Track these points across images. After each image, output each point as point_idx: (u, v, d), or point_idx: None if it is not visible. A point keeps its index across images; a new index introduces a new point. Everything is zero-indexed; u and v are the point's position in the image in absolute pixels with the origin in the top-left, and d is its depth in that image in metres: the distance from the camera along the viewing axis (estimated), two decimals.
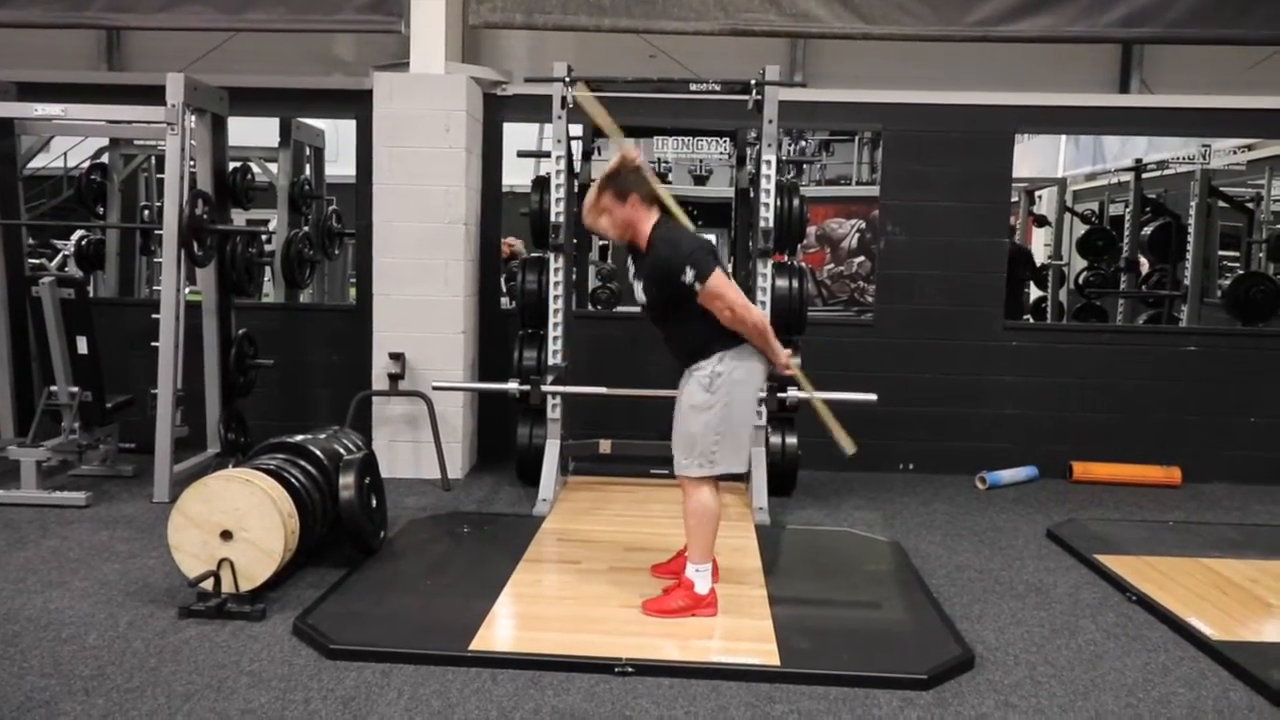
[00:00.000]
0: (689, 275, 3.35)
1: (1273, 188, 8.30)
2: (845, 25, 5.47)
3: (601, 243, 11.30)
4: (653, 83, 5.12)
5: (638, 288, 3.58)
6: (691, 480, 3.50)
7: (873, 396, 4.83)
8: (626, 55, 5.98)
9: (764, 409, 5.00)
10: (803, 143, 14.86)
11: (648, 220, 3.49)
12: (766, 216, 5.04)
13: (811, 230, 13.28)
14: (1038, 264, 9.86)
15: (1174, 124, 6.21)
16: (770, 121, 4.97)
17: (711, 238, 3.83)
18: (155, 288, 5.12)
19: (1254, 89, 5.86)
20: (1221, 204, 8.31)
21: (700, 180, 15.93)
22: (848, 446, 3.78)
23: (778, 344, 3.53)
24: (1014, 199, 9.30)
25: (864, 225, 11.78)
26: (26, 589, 3.67)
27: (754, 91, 4.98)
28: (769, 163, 4.99)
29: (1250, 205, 8.45)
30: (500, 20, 5.59)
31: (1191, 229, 8.02)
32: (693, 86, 5.02)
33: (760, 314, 3.56)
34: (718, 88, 4.93)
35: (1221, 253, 8.84)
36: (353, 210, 6.33)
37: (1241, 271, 8.10)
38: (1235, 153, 7.99)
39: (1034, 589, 4.02)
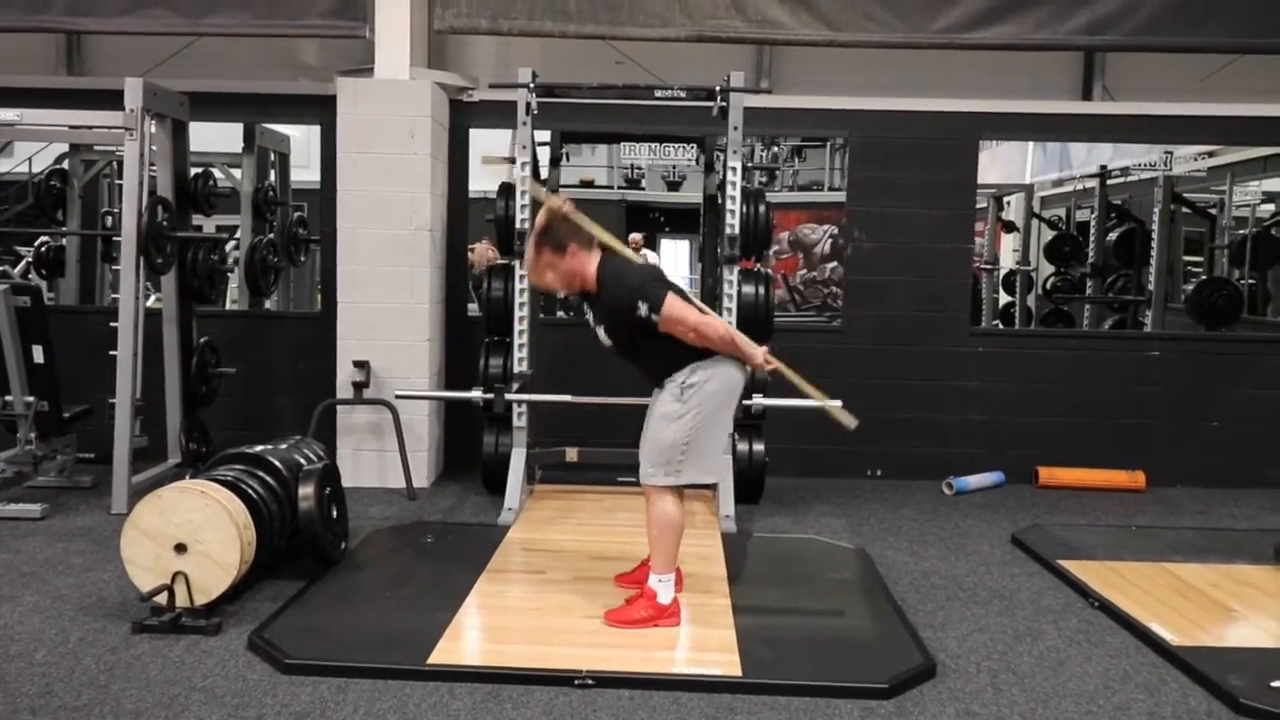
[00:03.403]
0: (643, 309, 3.34)
1: (1234, 194, 8.40)
2: (811, 32, 5.48)
3: None
4: (618, 89, 5.10)
5: (600, 332, 3.56)
6: (655, 489, 3.48)
7: (838, 403, 4.81)
8: (593, 61, 5.96)
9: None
10: (774, 149, 14.87)
11: (591, 263, 3.47)
12: (732, 223, 5.04)
13: (785, 236, 13.35)
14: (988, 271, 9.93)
15: (1136, 131, 6.28)
16: (736, 128, 4.97)
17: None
18: (116, 295, 5.01)
19: (1213, 96, 5.93)
20: (1185, 210, 8.40)
21: (673, 186, 15.96)
22: (849, 423, 3.71)
23: (749, 345, 3.51)
24: (983, 205, 9.37)
25: (836, 231, 11.83)
26: None
27: (719, 98, 4.97)
28: (734, 169, 4.99)
29: (1212, 211, 8.56)
30: (465, 26, 5.55)
31: (1155, 230, 8.11)
32: (658, 93, 5.01)
33: (722, 325, 3.54)
34: (683, 94, 4.93)
35: (1185, 258, 8.95)
36: (318, 216, 6.27)
37: (1204, 277, 8.19)
38: (1197, 159, 8.08)
39: (997, 595, 4.03)
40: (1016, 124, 6.10)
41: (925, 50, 5.69)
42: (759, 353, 3.52)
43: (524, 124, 5.03)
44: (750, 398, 4.92)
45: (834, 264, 12.05)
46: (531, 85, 4.96)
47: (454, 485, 5.68)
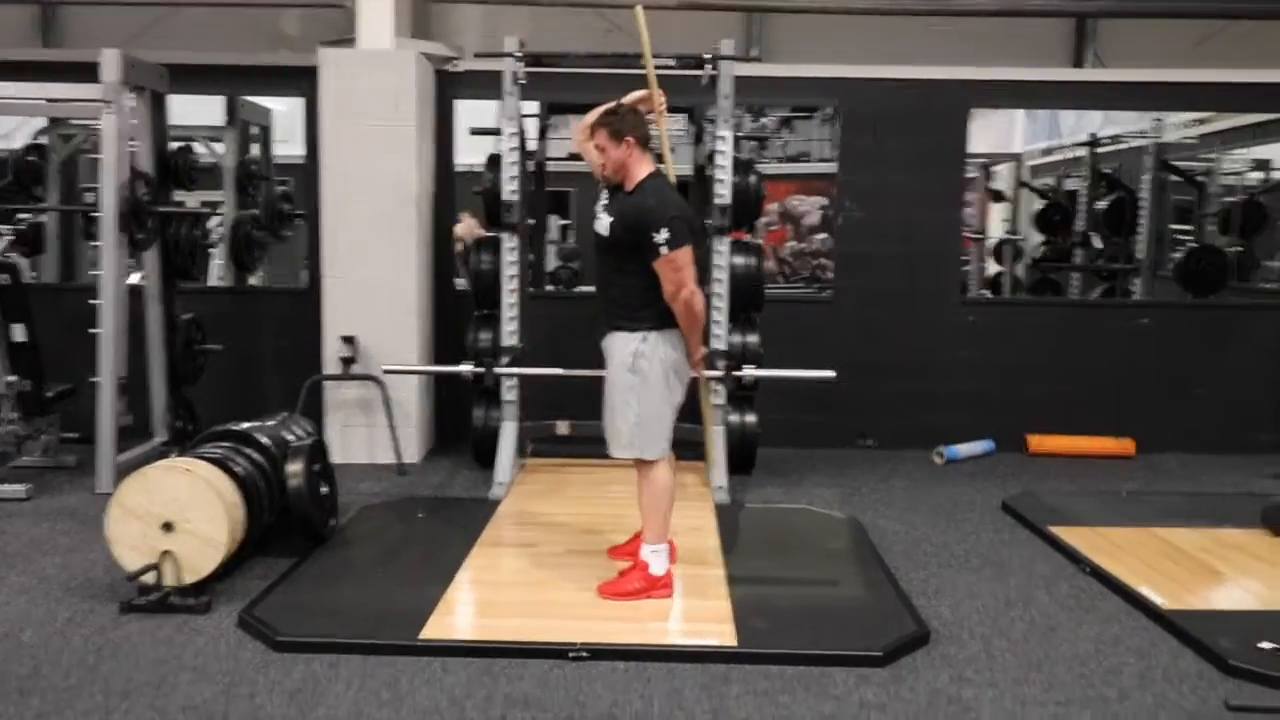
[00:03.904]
0: (662, 235, 3.28)
1: (1223, 162, 8.38)
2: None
3: (563, 222, 11.21)
4: (607, 58, 5.02)
5: (603, 220, 3.48)
6: (645, 459, 3.46)
7: (831, 374, 4.80)
8: (581, 31, 5.89)
9: (722, 388, 4.97)
10: (763, 120, 14.81)
11: (641, 166, 3.42)
12: (723, 193, 4.99)
13: (774, 207, 13.28)
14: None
15: (1126, 98, 6.24)
16: (726, 97, 4.90)
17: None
18: (97, 272, 4.94)
19: (1205, 62, 5.90)
20: (1174, 178, 8.37)
21: (659, 159, 15.85)
22: (715, 454, 4.00)
23: (698, 341, 3.50)
24: (972, 174, 9.32)
25: (825, 202, 11.77)
26: None
27: (709, 66, 4.90)
28: (725, 138, 4.93)
29: (1201, 179, 8.54)
30: None
31: (1145, 198, 8.08)
32: None
33: (701, 301, 3.43)
34: (673, 62, 4.84)
35: (1173, 226, 8.93)
36: (303, 192, 6.19)
37: (1193, 245, 8.18)
38: (1187, 126, 8.05)
39: (989, 562, 4.04)
40: (1008, 92, 6.05)
41: (916, 17, 5.63)
42: (700, 354, 3.54)
43: (510, 94, 4.95)
44: (741, 368, 4.90)
45: (823, 235, 11.99)
46: (518, 54, 4.88)
47: (444, 460, 5.65)
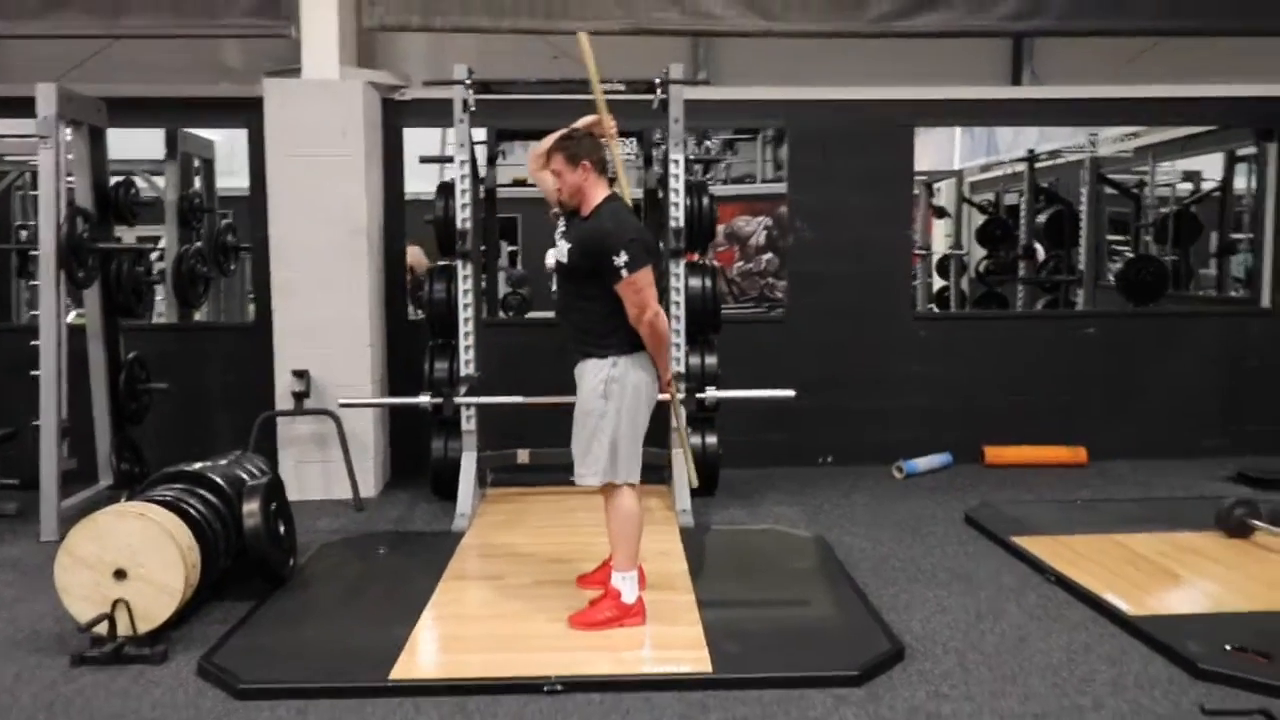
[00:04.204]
0: (621, 258, 3.26)
1: (1156, 174, 8.64)
2: (747, 23, 5.47)
3: (511, 248, 11.16)
4: (556, 84, 5.01)
5: (561, 247, 3.47)
6: (613, 486, 3.43)
7: (790, 393, 4.82)
8: (529, 58, 5.86)
9: (683, 411, 4.94)
10: (707, 143, 14.93)
11: (596, 190, 3.41)
12: (677, 216, 5.00)
13: (720, 229, 13.38)
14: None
15: (1063, 114, 6.40)
16: (676, 120, 4.92)
17: None
18: (35, 312, 4.79)
19: (1137, 79, 6.07)
20: (1110, 191, 8.61)
21: (614, 182, 15.90)
22: (693, 480, 3.98)
23: (667, 364, 3.52)
24: (915, 192, 9.49)
25: (770, 222, 11.89)
26: None
27: (659, 90, 4.92)
28: (677, 161, 4.94)
29: (1136, 191, 8.79)
30: (396, 23, 5.42)
31: (1084, 216, 8.30)
32: None
33: (664, 323, 3.45)
34: (622, 87, 4.85)
35: (1110, 238, 9.17)
36: (247, 224, 6.07)
37: (1131, 255, 8.41)
38: (1122, 140, 8.29)
39: (956, 575, 4.06)
40: (950, 110, 6.18)
41: (860, 39, 5.72)
42: (669, 376, 3.55)
43: (461, 121, 4.92)
44: (703, 390, 4.89)
45: (769, 255, 12.10)
46: (468, 82, 4.85)
47: (403, 494, 5.54)
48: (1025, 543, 4.33)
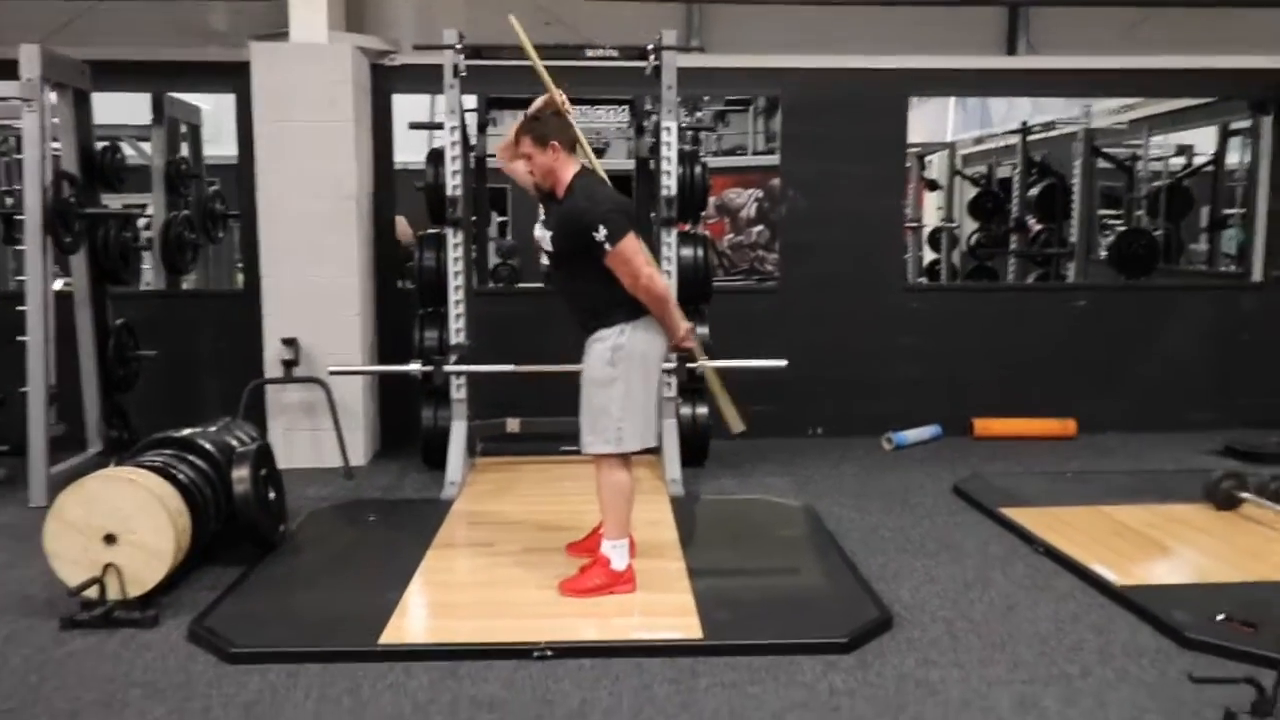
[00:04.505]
0: (601, 233, 3.24)
1: (1149, 147, 8.62)
2: None
3: (501, 219, 11.09)
4: (548, 49, 4.93)
5: (545, 237, 3.46)
6: (603, 456, 3.42)
7: (782, 363, 4.82)
8: (519, 23, 5.79)
9: (674, 380, 4.95)
10: (698, 114, 14.82)
11: (568, 168, 3.38)
12: (669, 185, 4.97)
13: (710, 201, 13.32)
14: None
15: (1059, 85, 6.37)
16: (669, 87, 4.87)
17: None
18: (21, 279, 4.74)
19: (1134, 49, 6.04)
20: (1103, 164, 8.59)
21: (598, 153, 15.80)
22: (735, 425, 3.78)
23: (678, 316, 3.46)
24: (906, 165, 9.46)
25: (761, 194, 11.83)
26: None
27: (652, 57, 4.87)
28: (669, 129, 4.90)
29: (1129, 164, 8.78)
30: None
31: (1076, 189, 8.28)
32: (589, 52, 4.87)
33: (664, 283, 3.47)
34: (615, 53, 4.81)
35: (1102, 212, 9.17)
36: (235, 193, 6.01)
37: (1123, 229, 8.40)
38: (1117, 112, 8.26)
39: (945, 546, 4.08)
40: (944, 80, 6.14)
41: (854, 7, 5.67)
42: (684, 327, 3.48)
43: (451, 87, 4.86)
44: (694, 360, 4.87)
45: (760, 228, 12.05)
46: (458, 46, 4.79)
47: (392, 463, 5.53)
48: (1014, 514, 4.34)
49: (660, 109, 4.94)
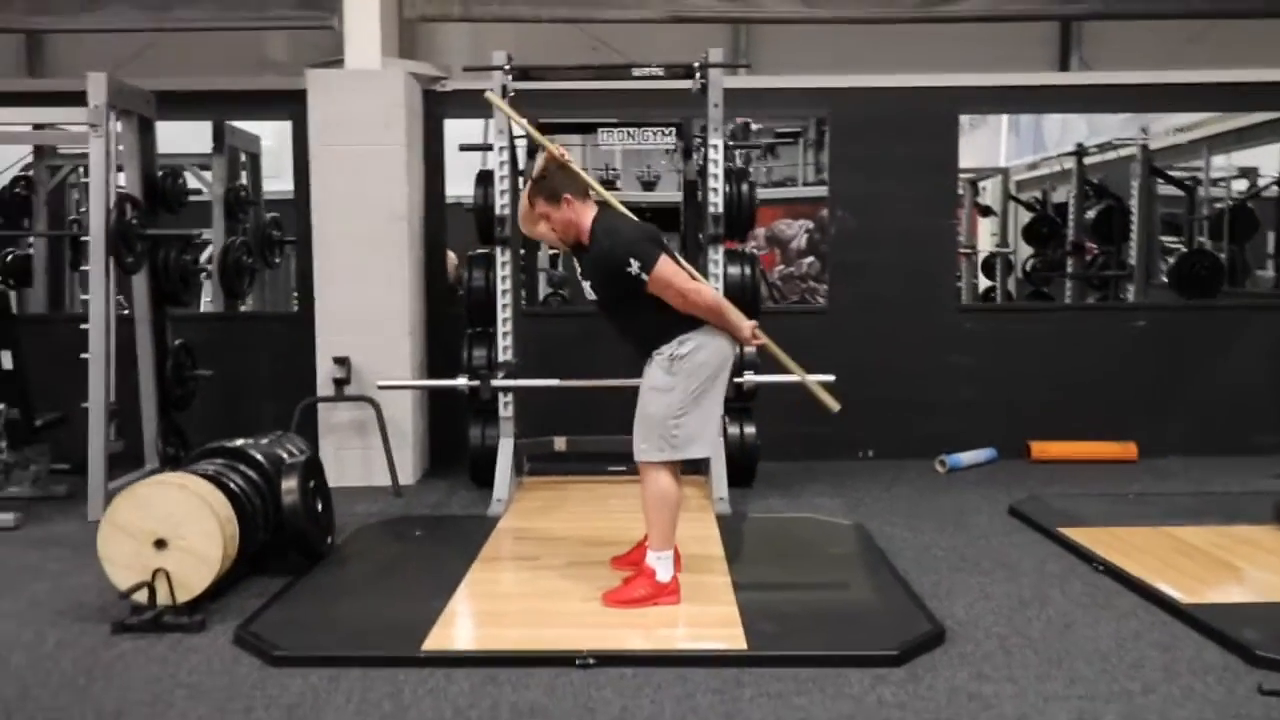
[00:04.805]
0: (634, 266, 3.25)
1: (1210, 169, 8.41)
2: (788, 9, 5.45)
3: (552, 251, 11.19)
4: (594, 69, 5.03)
5: (586, 286, 3.49)
6: (651, 465, 3.39)
7: (830, 377, 4.72)
8: (568, 49, 5.89)
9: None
10: (749, 152, 14.88)
11: (587, 215, 3.40)
12: (716, 201, 4.96)
13: (761, 232, 13.30)
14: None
15: (1114, 100, 6.26)
16: (716, 105, 4.89)
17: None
18: (86, 297, 4.89)
19: (1190, 63, 5.92)
20: (1161, 184, 8.40)
21: (648, 186, 15.92)
22: (832, 404, 3.64)
23: (738, 317, 3.41)
24: (959, 191, 9.35)
25: (812, 225, 11.79)
26: None
27: (698, 74, 4.89)
28: (716, 146, 4.91)
29: (1189, 183, 8.58)
30: (437, 13, 5.47)
31: (1135, 206, 8.10)
32: (636, 71, 4.91)
33: (712, 293, 3.47)
34: (661, 71, 4.85)
35: (1162, 238, 8.95)
36: (293, 223, 6.15)
37: (1184, 250, 8.19)
38: (1172, 134, 8.09)
39: (1000, 564, 3.97)
40: (995, 97, 6.07)
41: (902, 25, 5.65)
42: (747, 325, 3.43)
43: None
44: (741, 374, 4.84)
45: (810, 259, 11.99)
46: (507, 68, 4.87)
47: (441, 482, 5.56)
48: (1073, 533, 4.21)
49: (707, 127, 4.95)
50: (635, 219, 3.57)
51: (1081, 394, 6.04)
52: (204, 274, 6.25)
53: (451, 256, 6.60)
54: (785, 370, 3.73)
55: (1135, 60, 6.02)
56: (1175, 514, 4.57)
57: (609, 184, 14.60)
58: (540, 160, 3.57)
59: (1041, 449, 5.93)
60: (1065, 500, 4.91)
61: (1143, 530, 4.28)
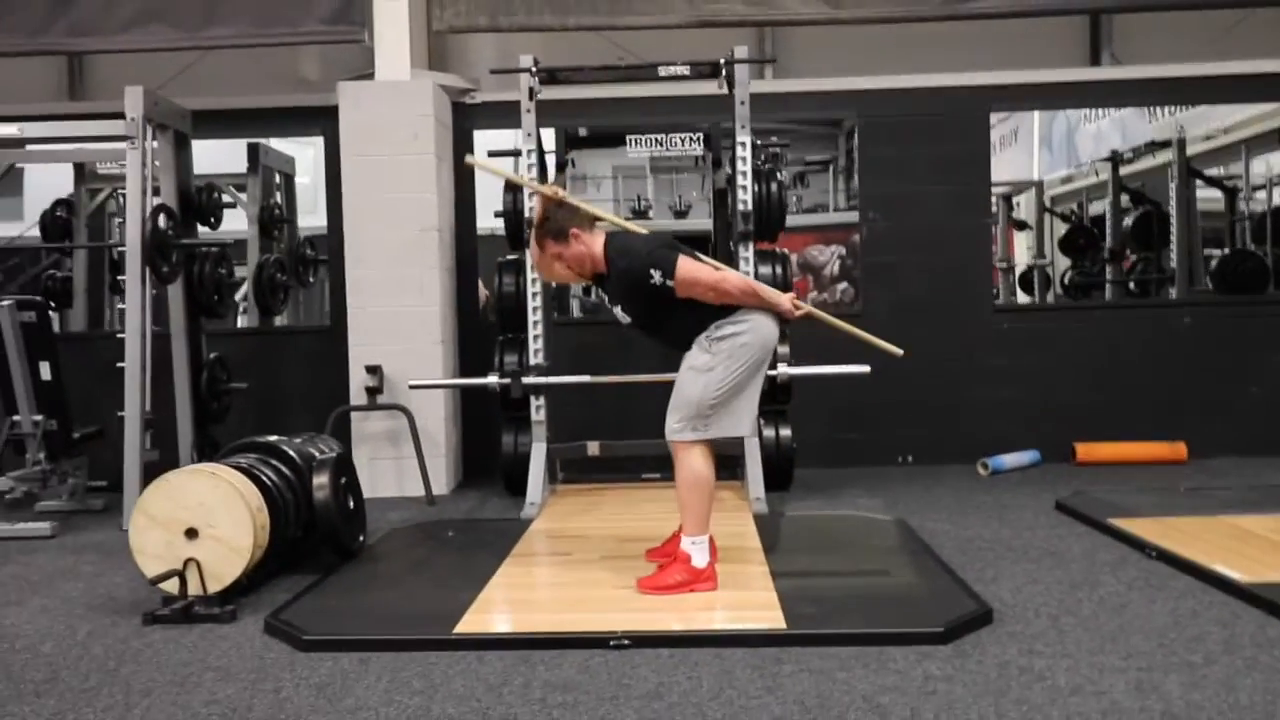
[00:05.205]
0: (656, 276, 3.24)
1: (1250, 171, 8.25)
2: (812, 11, 5.44)
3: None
4: (621, 69, 5.04)
5: (618, 312, 3.46)
6: (683, 445, 3.32)
7: (865, 368, 4.67)
8: (593, 58, 5.89)
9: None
10: (774, 183, 14.78)
11: (597, 243, 3.38)
12: (745, 199, 4.93)
13: (793, 258, 13.25)
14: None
15: (1146, 95, 6.18)
16: (743, 103, 4.87)
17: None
18: (122, 307, 4.95)
19: (1223, 55, 5.82)
20: (1200, 186, 8.25)
21: (680, 215, 15.99)
22: (895, 350, 3.60)
23: (773, 293, 3.37)
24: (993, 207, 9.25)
25: (843, 251, 11.71)
26: None
27: (724, 71, 4.89)
28: (744, 144, 4.89)
29: (1229, 184, 8.42)
30: (465, 24, 5.53)
31: (1173, 207, 7.95)
32: (661, 70, 4.89)
33: (740, 277, 3.43)
34: (686, 70, 4.84)
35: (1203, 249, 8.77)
36: (328, 229, 6.20)
37: (1226, 253, 8.02)
38: (1208, 138, 7.96)
39: (1048, 553, 3.84)
40: (1025, 94, 6.01)
41: (928, 23, 5.63)
42: (786, 298, 3.38)
43: (528, 111, 4.95)
44: (774, 367, 4.76)
45: (844, 285, 11.88)
46: (534, 70, 4.89)
47: (473, 492, 5.52)
48: (1124, 523, 4.07)
49: (735, 125, 4.93)
50: (644, 231, 3.55)
51: (1126, 395, 5.90)
52: (239, 292, 6.30)
53: (483, 290, 6.61)
54: (840, 334, 3.59)
55: (1167, 53, 5.93)
56: (1231, 506, 4.42)
57: (642, 214, 14.70)
58: (537, 205, 3.54)
59: (1088, 451, 5.78)
60: (1114, 495, 4.76)
61: (1198, 519, 4.13)
